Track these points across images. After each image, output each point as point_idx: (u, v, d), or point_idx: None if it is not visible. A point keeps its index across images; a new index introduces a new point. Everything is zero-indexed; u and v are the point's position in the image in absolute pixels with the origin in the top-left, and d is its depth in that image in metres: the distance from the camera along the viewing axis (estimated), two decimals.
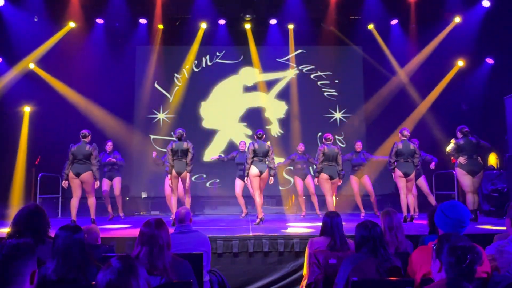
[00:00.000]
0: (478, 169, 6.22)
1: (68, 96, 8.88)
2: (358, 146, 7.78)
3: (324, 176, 6.62)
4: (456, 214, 2.50)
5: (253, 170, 6.36)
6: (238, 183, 7.69)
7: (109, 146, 7.70)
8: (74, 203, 6.14)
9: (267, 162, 6.45)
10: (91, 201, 6.23)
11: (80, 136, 6.20)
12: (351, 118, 9.72)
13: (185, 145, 6.26)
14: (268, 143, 6.53)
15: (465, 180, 6.24)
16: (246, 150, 6.83)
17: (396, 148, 6.33)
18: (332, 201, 6.63)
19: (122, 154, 7.98)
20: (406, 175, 6.31)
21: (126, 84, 9.48)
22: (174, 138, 6.47)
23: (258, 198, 6.37)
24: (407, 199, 6.38)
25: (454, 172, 6.50)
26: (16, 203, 7.78)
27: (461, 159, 6.25)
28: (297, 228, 5.86)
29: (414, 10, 8.75)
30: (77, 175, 6.07)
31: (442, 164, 7.79)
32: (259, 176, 6.39)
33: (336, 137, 9.54)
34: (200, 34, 9.47)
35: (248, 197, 7.73)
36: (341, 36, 9.48)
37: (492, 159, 7.93)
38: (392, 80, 9.38)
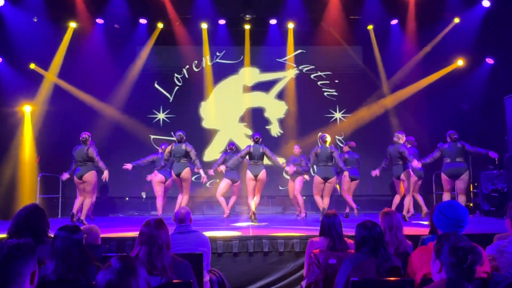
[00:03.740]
0: (459, 172, 6.39)
1: (68, 96, 8.88)
2: (351, 145, 7.81)
3: (317, 178, 6.66)
4: (454, 214, 2.50)
5: (248, 174, 6.45)
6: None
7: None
8: (78, 201, 6.39)
9: (271, 162, 6.54)
10: (87, 202, 6.35)
11: (81, 140, 6.34)
12: (351, 118, 9.72)
13: (183, 146, 6.35)
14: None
15: (445, 184, 6.56)
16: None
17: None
18: (320, 201, 6.67)
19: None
20: (326, 179, 6.56)
21: (126, 84, 9.47)
22: (174, 138, 6.50)
23: (255, 199, 6.55)
24: (396, 199, 6.68)
25: None
26: (16, 203, 7.77)
27: (444, 164, 6.53)
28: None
29: (414, 10, 8.74)
30: (80, 177, 6.27)
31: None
32: (254, 180, 6.46)
33: (336, 137, 9.55)
34: (205, 37, 9.47)
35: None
36: (341, 36, 9.47)
37: None
38: (392, 80, 9.38)
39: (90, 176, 6.28)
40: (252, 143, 6.67)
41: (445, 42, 8.93)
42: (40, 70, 8.72)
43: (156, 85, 9.71)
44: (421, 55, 9.18)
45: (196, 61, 9.79)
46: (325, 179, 6.62)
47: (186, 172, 6.42)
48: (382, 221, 3.32)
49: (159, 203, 6.98)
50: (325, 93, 9.80)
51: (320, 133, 9.27)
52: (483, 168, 7.70)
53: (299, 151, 7.79)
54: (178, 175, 6.37)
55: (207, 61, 9.74)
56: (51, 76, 8.75)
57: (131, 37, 9.38)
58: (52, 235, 2.48)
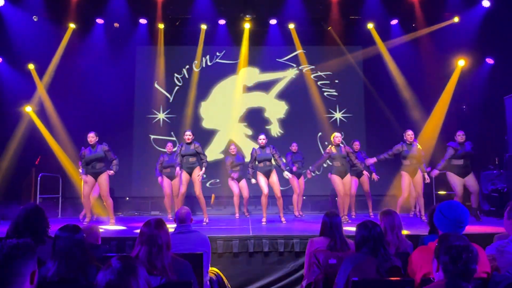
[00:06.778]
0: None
1: (68, 96, 8.87)
2: (356, 145, 7.74)
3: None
4: (454, 214, 2.50)
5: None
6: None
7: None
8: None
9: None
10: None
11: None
12: (351, 118, 9.71)
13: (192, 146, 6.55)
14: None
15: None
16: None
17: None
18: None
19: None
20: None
21: (126, 84, 9.47)
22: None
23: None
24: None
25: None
26: (16, 203, 7.76)
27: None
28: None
29: (414, 10, 8.75)
30: None
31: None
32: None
33: None
34: (202, 36, 9.46)
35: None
36: (341, 36, 9.46)
37: None
38: (391, 80, 9.37)
39: None
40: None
41: (445, 42, 8.92)
42: (35, 75, 8.73)
43: (156, 85, 9.71)
44: (421, 55, 9.15)
45: (196, 61, 9.79)
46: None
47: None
48: (383, 221, 3.31)
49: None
50: (325, 93, 9.80)
51: (320, 133, 9.26)
52: (483, 168, 7.70)
53: (297, 149, 7.81)
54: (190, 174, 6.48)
55: (187, 70, 9.71)
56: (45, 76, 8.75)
57: (131, 37, 9.38)
58: (52, 235, 2.48)
